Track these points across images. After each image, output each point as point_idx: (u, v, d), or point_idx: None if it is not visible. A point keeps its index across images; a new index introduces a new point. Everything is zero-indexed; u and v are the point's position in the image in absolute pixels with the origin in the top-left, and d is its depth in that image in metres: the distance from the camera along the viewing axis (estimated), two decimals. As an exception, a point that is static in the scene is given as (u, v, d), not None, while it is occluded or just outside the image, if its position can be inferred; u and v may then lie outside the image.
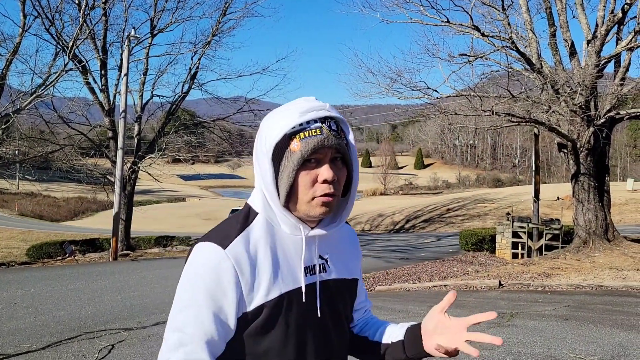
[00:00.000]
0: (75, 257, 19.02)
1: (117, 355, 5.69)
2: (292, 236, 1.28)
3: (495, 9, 15.28)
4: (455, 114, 15.05)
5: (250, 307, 1.21)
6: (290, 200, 1.25)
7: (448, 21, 15.17)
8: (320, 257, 1.34)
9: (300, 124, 1.20)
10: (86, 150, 25.40)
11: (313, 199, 1.23)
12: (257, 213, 1.29)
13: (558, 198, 29.96)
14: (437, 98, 15.68)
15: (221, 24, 24.37)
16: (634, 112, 15.62)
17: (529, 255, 19.53)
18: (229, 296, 1.19)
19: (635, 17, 15.61)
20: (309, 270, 1.30)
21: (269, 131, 1.23)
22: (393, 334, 1.45)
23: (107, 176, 22.74)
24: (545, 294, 10.04)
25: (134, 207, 24.50)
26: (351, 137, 1.30)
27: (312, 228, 1.29)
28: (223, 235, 1.24)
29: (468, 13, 14.42)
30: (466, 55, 15.15)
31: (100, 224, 47.11)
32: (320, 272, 1.33)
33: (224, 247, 1.21)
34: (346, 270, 1.41)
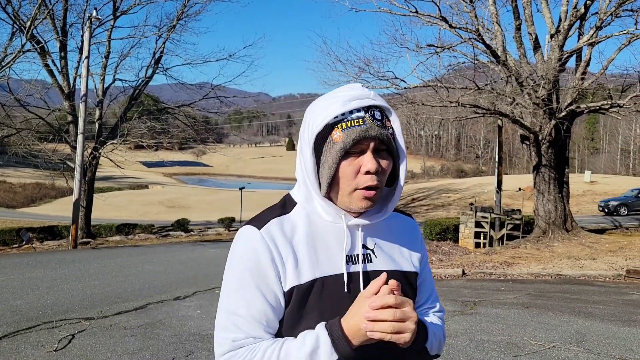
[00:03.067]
0: (33, 245, 18.46)
1: (77, 345, 5.54)
2: (333, 225, 1.27)
3: (463, 0, 15.40)
4: (423, 104, 15.18)
5: (286, 288, 1.22)
6: (331, 191, 1.24)
7: (416, 11, 15.21)
8: (365, 247, 1.30)
9: (343, 114, 1.19)
10: (44, 135, 24.61)
11: (355, 190, 1.21)
12: (296, 203, 1.32)
13: (519, 189, 30.68)
14: (405, 88, 15.76)
15: (187, 7, 23.90)
16: (593, 106, 16.04)
17: (490, 245, 19.94)
18: (269, 274, 1.21)
19: (596, 12, 15.99)
20: (351, 259, 1.27)
21: (313, 120, 1.22)
22: None
23: (67, 162, 22.09)
24: (507, 282, 10.27)
25: (94, 194, 23.93)
26: (397, 126, 1.26)
27: (355, 217, 1.28)
28: (261, 218, 1.29)
29: (436, 4, 14.49)
30: (434, 46, 15.25)
31: (59, 211, 45.90)
32: (364, 262, 1.29)
33: (260, 228, 1.24)
34: (398, 262, 1.35)
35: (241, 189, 36.30)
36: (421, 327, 1.27)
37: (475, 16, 15.18)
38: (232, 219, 29.24)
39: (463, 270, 11.29)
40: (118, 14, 22.96)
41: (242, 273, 1.23)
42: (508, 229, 20.11)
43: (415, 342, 1.17)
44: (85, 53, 18.60)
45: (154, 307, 7.62)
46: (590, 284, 9.87)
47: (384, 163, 1.22)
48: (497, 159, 22.36)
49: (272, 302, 1.22)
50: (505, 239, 19.75)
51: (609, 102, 15.48)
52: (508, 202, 31.95)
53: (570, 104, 15.84)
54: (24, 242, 18.69)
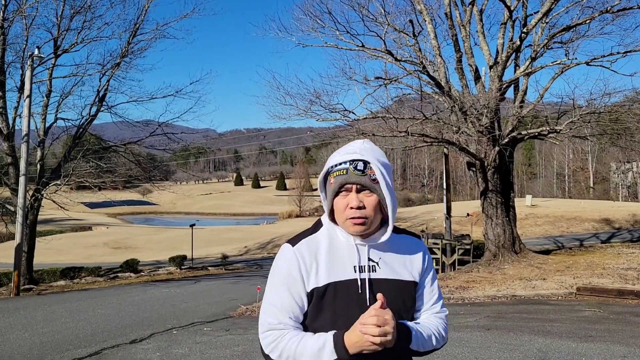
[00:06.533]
0: (-30, 295, 17.31)
1: (31, 398, 5.20)
2: (346, 243, 1.72)
3: (406, 34, 15.98)
4: (373, 135, 15.47)
5: (308, 289, 1.69)
6: (335, 219, 1.74)
7: (363, 46, 15.64)
8: (371, 260, 1.72)
9: (335, 165, 1.69)
10: (-19, 178, 23.36)
11: (346, 220, 1.67)
12: (323, 225, 1.78)
13: (467, 214, 31.48)
14: (355, 120, 16.05)
15: (131, 44, 23.54)
16: (533, 132, 16.82)
17: (442, 271, 20.26)
18: (297, 279, 1.70)
19: (530, 45, 16.94)
20: (360, 268, 1.70)
21: (324, 168, 1.74)
22: None
23: (6, 205, 21.03)
24: (465, 306, 10.43)
25: (36, 238, 22.82)
26: (379, 173, 1.67)
27: (363, 239, 1.72)
28: (297, 238, 1.78)
29: (382, 38, 14.97)
30: (381, 78, 15.68)
31: (-5, 257, 43.39)
32: (370, 271, 1.71)
33: (293, 245, 1.75)
34: (398, 273, 1.75)
35: (192, 226, 35.55)
36: (405, 332, 1.63)
37: (419, 49, 15.75)
38: (184, 257, 28.49)
39: (421, 297, 11.39)
40: (59, 53, 22.39)
41: (279, 278, 1.73)
42: (459, 254, 20.54)
43: (398, 343, 1.57)
44: (26, 92, 17.97)
45: (109, 353, 7.29)
46: (545, 303, 10.17)
47: (366, 200, 1.67)
48: (445, 186, 22.97)
49: (297, 300, 1.69)
50: (456, 264, 20.14)
51: (547, 128, 16.28)
52: (456, 228, 32.67)
53: (511, 131, 16.56)
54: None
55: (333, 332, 1.60)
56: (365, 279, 1.68)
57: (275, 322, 1.68)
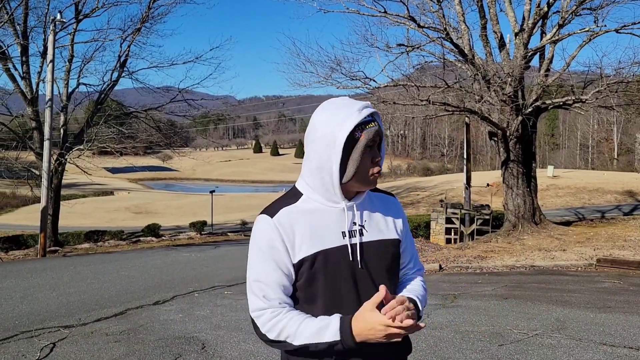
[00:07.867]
0: (-2, 255, 17.88)
1: (60, 353, 5.40)
2: (331, 208, 1.62)
3: (430, 0, 15.62)
4: (395, 103, 15.32)
5: (295, 260, 1.59)
6: (351, 178, 1.59)
7: (385, 12, 15.35)
8: (357, 223, 1.64)
9: (362, 119, 1.55)
10: (6, 142, 23.86)
11: (372, 175, 1.60)
12: (302, 194, 1.66)
13: (487, 184, 31.26)
14: (376, 88, 15.88)
15: (152, 9, 23.54)
16: (557, 102, 16.49)
17: (461, 240, 20.26)
18: (281, 250, 1.58)
19: (558, 11, 16.45)
20: (350, 234, 1.62)
21: (337, 127, 1.54)
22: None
23: (32, 169, 21.47)
24: (483, 275, 10.47)
25: (60, 202, 23.32)
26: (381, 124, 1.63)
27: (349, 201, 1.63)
28: (274, 208, 1.64)
29: (404, 4, 14.65)
30: (403, 45, 15.42)
31: (22, 220, 44.52)
32: (359, 235, 1.64)
33: (272, 216, 1.61)
34: (383, 233, 1.70)
35: (211, 192, 35.95)
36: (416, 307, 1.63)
37: (443, 16, 15.40)
38: (204, 223, 28.93)
39: (440, 265, 11.46)
40: (80, 17, 22.46)
41: (261, 252, 1.60)
42: (478, 224, 20.47)
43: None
44: (49, 57, 18.11)
45: (133, 313, 7.50)
46: (564, 274, 10.15)
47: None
48: (465, 156, 22.74)
49: (285, 271, 1.59)
50: (475, 234, 20.10)
51: (573, 98, 15.95)
52: (475, 198, 32.52)
53: (535, 100, 16.25)
54: (-12, 253, 18.09)
55: (339, 315, 1.53)
56: (355, 244, 1.62)
57: (265, 299, 1.59)
